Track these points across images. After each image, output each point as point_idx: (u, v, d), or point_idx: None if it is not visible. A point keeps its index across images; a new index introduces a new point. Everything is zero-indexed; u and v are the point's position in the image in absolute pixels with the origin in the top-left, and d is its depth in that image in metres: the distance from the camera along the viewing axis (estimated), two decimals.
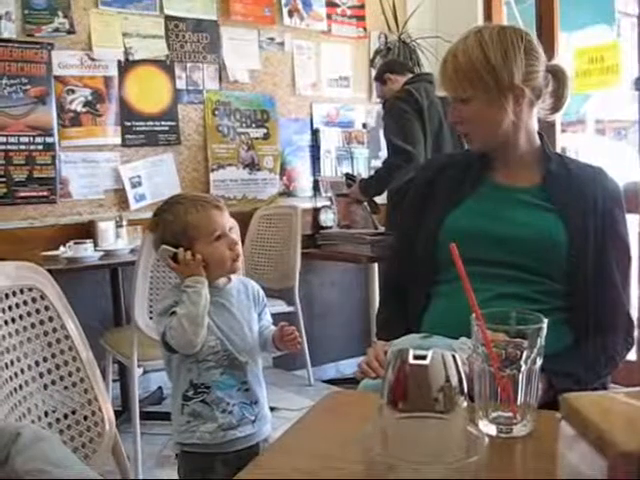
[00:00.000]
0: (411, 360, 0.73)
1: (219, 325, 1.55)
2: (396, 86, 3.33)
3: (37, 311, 1.29)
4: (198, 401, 1.54)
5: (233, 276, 1.65)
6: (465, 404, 0.75)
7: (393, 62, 3.78)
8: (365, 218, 3.52)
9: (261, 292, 1.68)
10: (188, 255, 1.53)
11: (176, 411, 1.57)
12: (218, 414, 1.53)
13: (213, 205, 1.56)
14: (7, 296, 1.24)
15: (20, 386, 1.21)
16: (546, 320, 0.90)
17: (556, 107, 1.46)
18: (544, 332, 0.90)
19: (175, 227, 1.55)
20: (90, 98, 3.34)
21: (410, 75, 3.40)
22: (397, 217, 3.03)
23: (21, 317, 1.26)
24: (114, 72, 3.40)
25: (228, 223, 1.58)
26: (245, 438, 1.56)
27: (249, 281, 1.69)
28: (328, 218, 3.94)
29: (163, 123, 3.55)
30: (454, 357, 0.74)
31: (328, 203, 3.98)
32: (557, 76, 1.42)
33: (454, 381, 0.72)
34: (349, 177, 3.58)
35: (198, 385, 1.54)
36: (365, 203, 3.50)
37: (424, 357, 0.73)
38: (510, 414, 0.89)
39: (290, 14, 3.92)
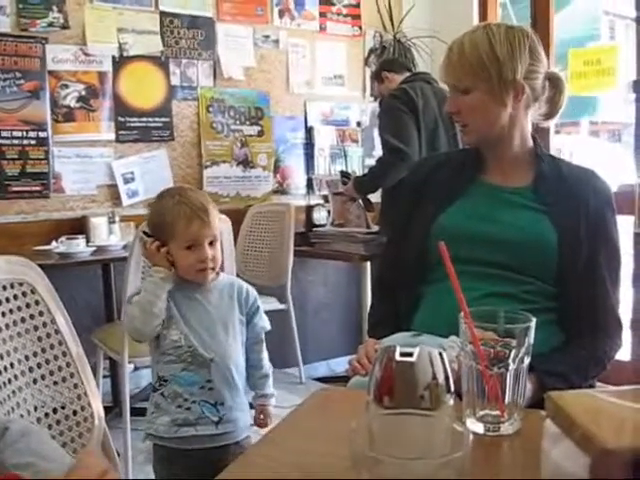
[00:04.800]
0: (398, 357, 0.73)
1: (188, 320, 1.54)
2: (393, 85, 3.32)
3: (27, 305, 1.28)
4: (159, 393, 1.55)
5: (224, 274, 1.65)
6: (452, 402, 0.75)
7: (392, 60, 3.77)
8: (359, 217, 3.52)
9: (251, 295, 1.65)
10: (153, 246, 1.55)
11: (149, 401, 1.59)
12: (173, 409, 1.53)
13: (197, 215, 1.52)
14: None
15: (9, 380, 1.21)
16: (534, 319, 0.90)
17: (550, 114, 1.46)
18: (532, 331, 0.90)
19: (156, 219, 1.57)
20: (84, 93, 3.33)
21: (407, 74, 3.40)
22: (390, 216, 3.03)
23: (11, 311, 1.25)
24: (108, 67, 3.39)
25: (210, 235, 1.54)
26: (206, 438, 1.53)
27: (238, 282, 1.66)
28: (321, 216, 3.93)
29: (157, 119, 3.54)
30: (441, 355, 0.74)
31: (321, 201, 3.98)
32: (554, 83, 1.43)
33: (441, 378, 0.73)
34: (344, 175, 3.58)
35: (161, 377, 1.55)
36: (360, 200, 3.50)
37: (411, 354, 0.73)
38: (497, 412, 0.89)
39: (281, 14, 3.92)
